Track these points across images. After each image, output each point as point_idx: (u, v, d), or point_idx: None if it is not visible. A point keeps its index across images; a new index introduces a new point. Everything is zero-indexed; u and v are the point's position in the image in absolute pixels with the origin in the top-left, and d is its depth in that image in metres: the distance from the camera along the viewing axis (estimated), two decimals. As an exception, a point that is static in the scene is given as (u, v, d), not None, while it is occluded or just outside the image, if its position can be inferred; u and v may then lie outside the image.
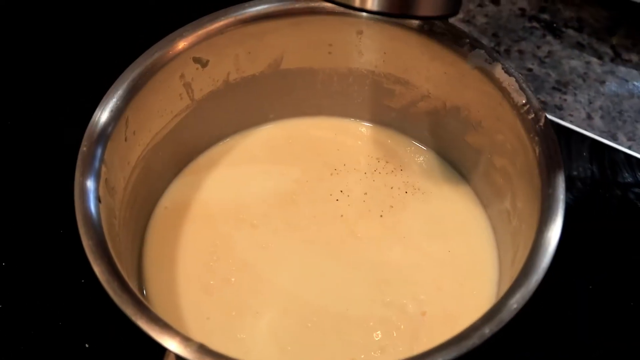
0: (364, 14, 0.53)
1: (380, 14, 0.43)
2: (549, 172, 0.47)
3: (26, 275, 0.60)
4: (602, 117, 0.74)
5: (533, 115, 0.50)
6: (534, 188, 0.48)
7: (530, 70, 0.77)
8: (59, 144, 0.66)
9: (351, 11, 0.49)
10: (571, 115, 0.74)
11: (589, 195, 0.66)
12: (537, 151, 0.49)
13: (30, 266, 0.60)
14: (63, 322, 0.57)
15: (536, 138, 0.49)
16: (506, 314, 0.41)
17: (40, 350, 0.56)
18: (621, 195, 0.66)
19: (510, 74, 0.52)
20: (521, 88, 0.51)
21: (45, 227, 0.62)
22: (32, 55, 0.76)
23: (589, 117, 0.74)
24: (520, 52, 0.79)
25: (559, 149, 0.49)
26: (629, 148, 0.70)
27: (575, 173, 0.68)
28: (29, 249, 0.61)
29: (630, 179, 0.68)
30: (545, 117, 0.50)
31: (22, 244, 0.62)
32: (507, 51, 0.79)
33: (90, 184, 0.46)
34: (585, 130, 0.71)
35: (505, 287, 0.46)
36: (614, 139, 0.71)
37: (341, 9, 0.53)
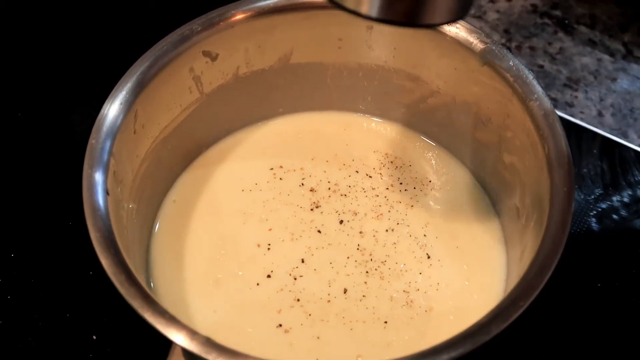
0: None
1: (386, 22, 0.41)
2: (558, 170, 0.47)
3: (35, 267, 0.60)
4: (613, 114, 0.73)
5: (543, 113, 0.50)
6: (543, 185, 0.48)
7: (541, 67, 0.77)
8: (69, 136, 0.67)
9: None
10: (582, 113, 0.73)
11: (598, 193, 0.66)
12: (547, 149, 0.48)
13: (38, 258, 0.60)
14: (71, 314, 0.57)
15: (545, 136, 0.49)
16: (513, 311, 0.41)
17: (48, 341, 0.56)
18: (631, 193, 0.66)
19: (520, 71, 0.52)
20: (531, 85, 0.51)
21: (54, 219, 0.62)
22: (43, 48, 0.76)
23: (600, 114, 0.73)
24: (532, 48, 0.78)
25: (569, 146, 0.48)
26: (640, 146, 0.70)
27: (585, 170, 0.68)
28: (38, 241, 0.61)
29: (640, 177, 0.67)
30: (555, 114, 0.50)
31: (31, 235, 0.62)
32: (519, 47, 0.78)
33: (98, 176, 0.46)
34: (596, 127, 0.71)
35: (513, 284, 0.45)
36: (625, 137, 0.71)
37: None
